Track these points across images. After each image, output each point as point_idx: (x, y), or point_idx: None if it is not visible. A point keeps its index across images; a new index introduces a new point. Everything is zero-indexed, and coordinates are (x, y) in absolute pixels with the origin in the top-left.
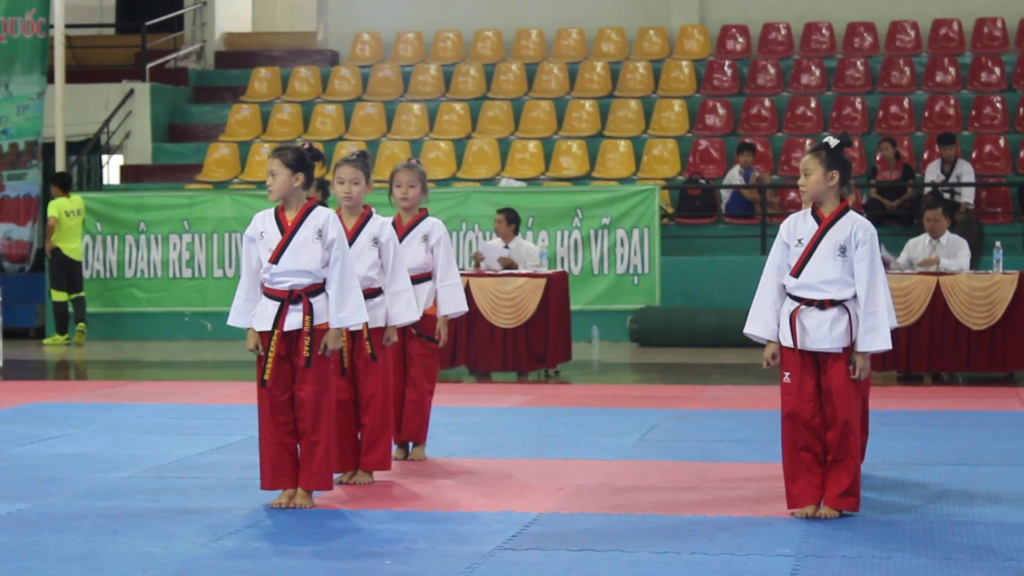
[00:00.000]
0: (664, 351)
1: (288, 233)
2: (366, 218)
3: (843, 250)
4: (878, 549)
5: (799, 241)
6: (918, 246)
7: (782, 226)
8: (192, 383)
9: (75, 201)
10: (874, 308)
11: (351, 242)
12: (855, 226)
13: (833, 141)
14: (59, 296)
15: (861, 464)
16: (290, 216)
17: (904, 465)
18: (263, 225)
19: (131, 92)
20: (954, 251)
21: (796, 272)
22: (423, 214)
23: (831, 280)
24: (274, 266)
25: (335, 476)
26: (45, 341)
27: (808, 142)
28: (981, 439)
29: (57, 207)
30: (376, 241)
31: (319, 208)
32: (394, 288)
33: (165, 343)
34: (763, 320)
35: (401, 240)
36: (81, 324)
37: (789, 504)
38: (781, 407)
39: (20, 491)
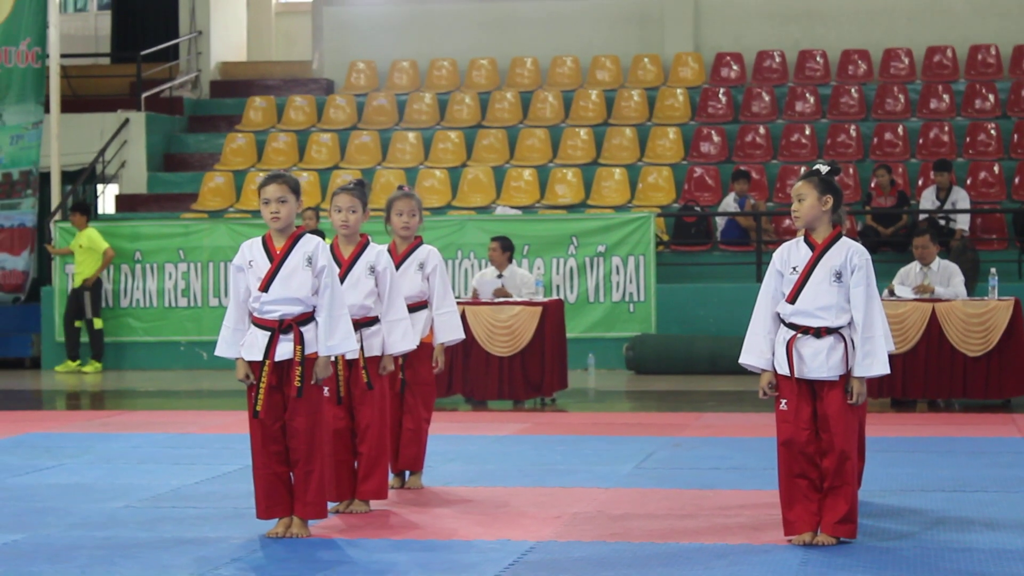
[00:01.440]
0: (660, 378)
1: (277, 261)
2: (363, 247)
3: (839, 276)
4: None
5: (793, 269)
6: (910, 274)
7: (775, 255)
8: (188, 412)
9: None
10: (871, 333)
11: (348, 271)
12: (850, 251)
13: (824, 167)
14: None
15: (858, 491)
16: (279, 244)
17: (900, 492)
18: (251, 254)
19: (126, 121)
20: (947, 278)
21: (792, 299)
22: (418, 242)
23: (827, 306)
24: (264, 294)
25: (331, 505)
26: (58, 368)
27: (802, 169)
28: (977, 466)
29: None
30: (373, 270)
31: (308, 236)
32: (391, 317)
33: (161, 372)
34: (758, 349)
35: (397, 268)
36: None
37: (786, 531)
38: (777, 434)
39: (15, 522)
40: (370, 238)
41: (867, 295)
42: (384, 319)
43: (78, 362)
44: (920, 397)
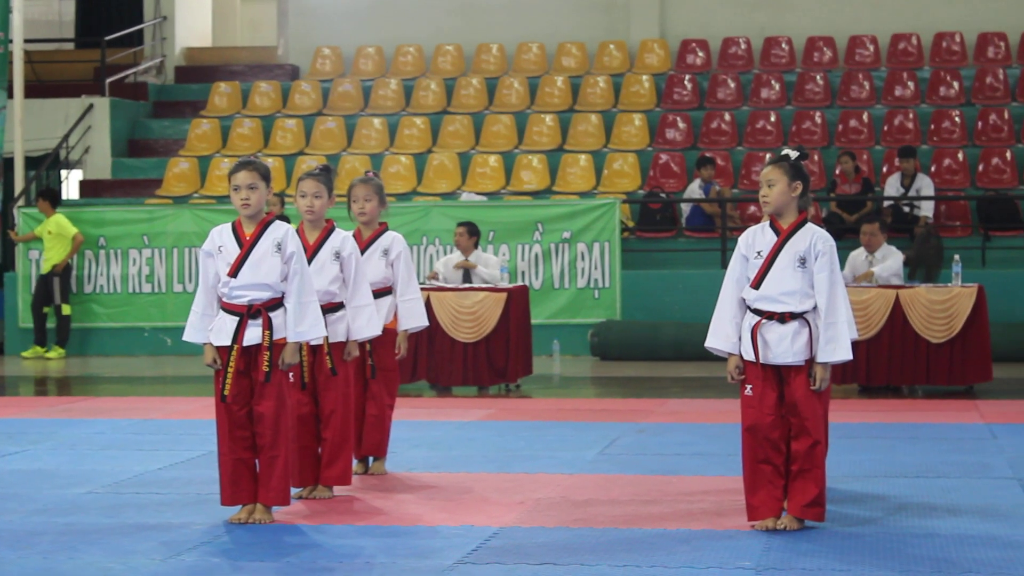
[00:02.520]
0: (625, 365)
1: (247, 247)
2: (328, 232)
3: (803, 261)
4: (838, 561)
5: (758, 253)
6: (856, 260)
7: (740, 239)
8: (151, 398)
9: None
10: (834, 319)
11: (313, 256)
12: (814, 237)
13: (793, 153)
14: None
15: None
16: (248, 230)
17: (864, 478)
18: (221, 239)
19: (91, 107)
20: (884, 259)
21: (756, 284)
22: (383, 228)
23: (791, 291)
24: (233, 280)
25: (295, 491)
26: (25, 354)
27: (768, 156)
28: (940, 452)
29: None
30: (338, 255)
31: (277, 222)
32: (356, 303)
33: (124, 358)
34: (724, 334)
35: (361, 254)
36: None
37: (749, 516)
38: (742, 420)
39: None
40: (335, 224)
41: (831, 281)
42: (349, 305)
43: (45, 348)
44: (884, 383)
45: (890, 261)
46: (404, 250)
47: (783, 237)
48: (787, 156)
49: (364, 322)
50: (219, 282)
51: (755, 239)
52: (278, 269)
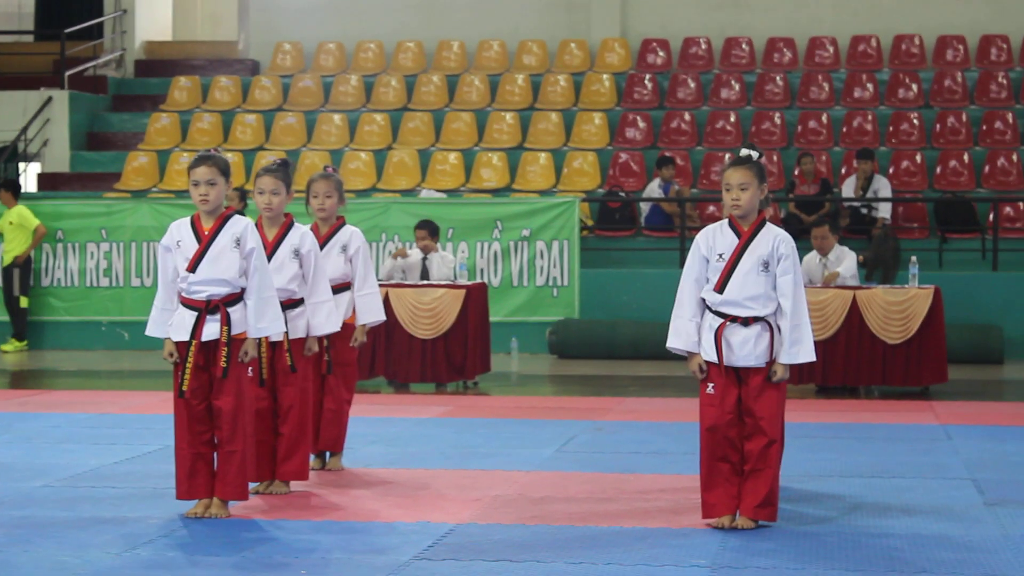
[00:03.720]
0: (583, 363)
1: (205, 242)
2: (287, 228)
3: (766, 265)
4: (793, 560)
5: (719, 256)
6: (810, 265)
7: (699, 238)
8: (108, 392)
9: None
10: (799, 321)
11: (272, 253)
12: (776, 240)
13: (755, 153)
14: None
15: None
16: (207, 225)
17: (820, 477)
18: (179, 234)
19: (49, 99)
20: (840, 261)
21: (719, 288)
22: (340, 223)
23: (755, 296)
24: (191, 275)
25: (251, 486)
26: (4, 347)
27: (727, 156)
28: (896, 452)
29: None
30: (297, 252)
31: (236, 217)
32: (315, 298)
33: (82, 352)
34: (685, 333)
35: (320, 249)
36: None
37: (704, 514)
38: (701, 418)
39: None
40: (295, 218)
41: (794, 283)
42: (308, 300)
43: (24, 341)
44: (840, 384)
45: (848, 262)
46: (363, 245)
47: (744, 239)
48: (749, 157)
49: (323, 318)
50: (178, 277)
51: (715, 240)
52: (237, 264)
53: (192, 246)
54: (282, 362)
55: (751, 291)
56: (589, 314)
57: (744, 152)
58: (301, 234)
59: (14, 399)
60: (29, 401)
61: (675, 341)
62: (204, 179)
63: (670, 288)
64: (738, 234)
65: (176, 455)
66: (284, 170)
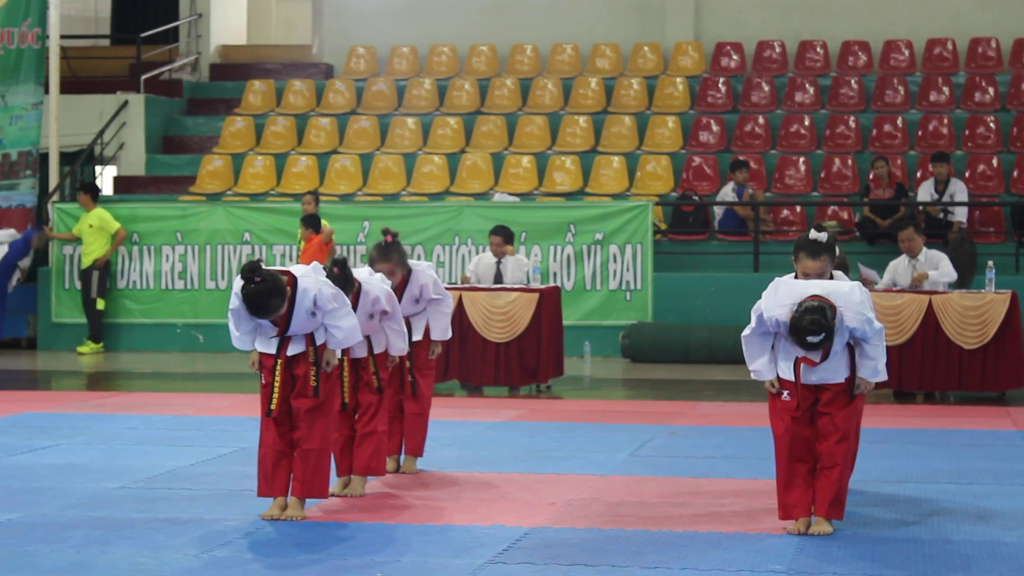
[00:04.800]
0: (656, 367)
1: (281, 330)
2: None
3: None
4: (869, 567)
5: None
6: (899, 267)
7: (770, 312)
8: (183, 394)
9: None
10: (878, 342)
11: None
12: (844, 317)
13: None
14: (102, 304)
15: (850, 476)
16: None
17: (896, 482)
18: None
19: (125, 103)
20: (935, 264)
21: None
22: (407, 275)
23: (839, 365)
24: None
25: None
26: (81, 349)
27: (801, 160)
28: (972, 458)
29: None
30: (372, 316)
31: (301, 289)
32: (393, 326)
33: (157, 354)
34: (763, 364)
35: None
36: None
37: (781, 515)
38: (775, 420)
39: (11, 501)
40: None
41: (869, 322)
42: (387, 327)
43: (100, 344)
44: (916, 389)
45: (946, 267)
46: (430, 282)
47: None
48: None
49: (398, 340)
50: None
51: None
52: (315, 324)
53: (271, 333)
54: (369, 380)
55: (835, 363)
56: (662, 318)
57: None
58: (373, 298)
59: (91, 401)
60: (106, 403)
61: (766, 373)
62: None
63: (743, 292)
64: None
65: (260, 453)
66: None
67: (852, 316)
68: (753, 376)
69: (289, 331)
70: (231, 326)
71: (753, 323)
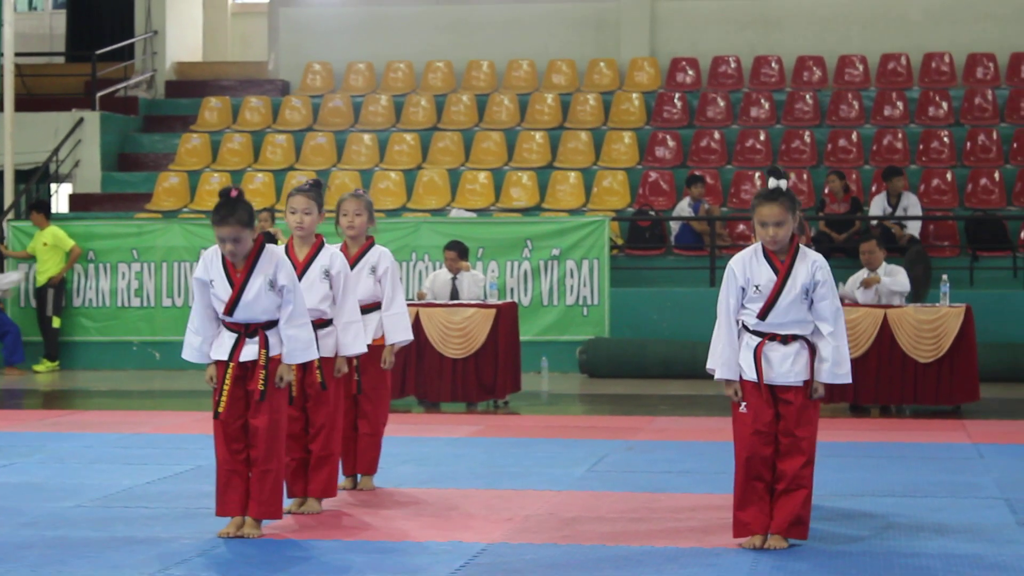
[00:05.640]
0: (613, 382)
1: (237, 288)
2: (317, 248)
3: (806, 292)
4: None
5: (756, 288)
6: (859, 280)
7: (733, 266)
8: (140, 412)
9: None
10: (840, 342)
11: (303, 273)
12: (813, 267)
13: (783, 183)
14: (58, 322)
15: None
16: (237, 266)
17: (852, 496)
18: (211, 273)
19: (81, 121)
20: (892, 274)
21: (762, 315)
22: (370, 243)
23: (797, 320)
24: (228, 316)
25: (285, 505)
26: (36, 367)
27: (756, 175)
28: (928, 471)
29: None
30: (327, 273)
31: (266, 252)
32: (344, 319)
33: (113, 372)
34: (724, 359)
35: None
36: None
37: (736, 532)
38: (736, 438)
39: None
40: (324, 239)
41: (834, 306)
42: (337, 321)
43: (56, 362)
44: (871, 402)
45: (901, 277)
46: (392, 265)
47: (784, 273)
48: (781, 190)
49: (351, 338)
50: (216, 312)
51: (751, 270)
52: (273, 303)
53: (225, 291)
54: (314, 382)
55: (793, 316)
56: (619, 333)
57: (773, 183)
58: (331, 255)
59: (46, 419)
60: (61, 421)
61: (724, 372)
62: (230, 237)
63: (700, 307)
64: (774, 266)
65: (217, 471)
66: (316, 190)
67: (822, 269)
68: (714, 374)
69: (244, 295)
70: (189, 325)
71: (720, 305)
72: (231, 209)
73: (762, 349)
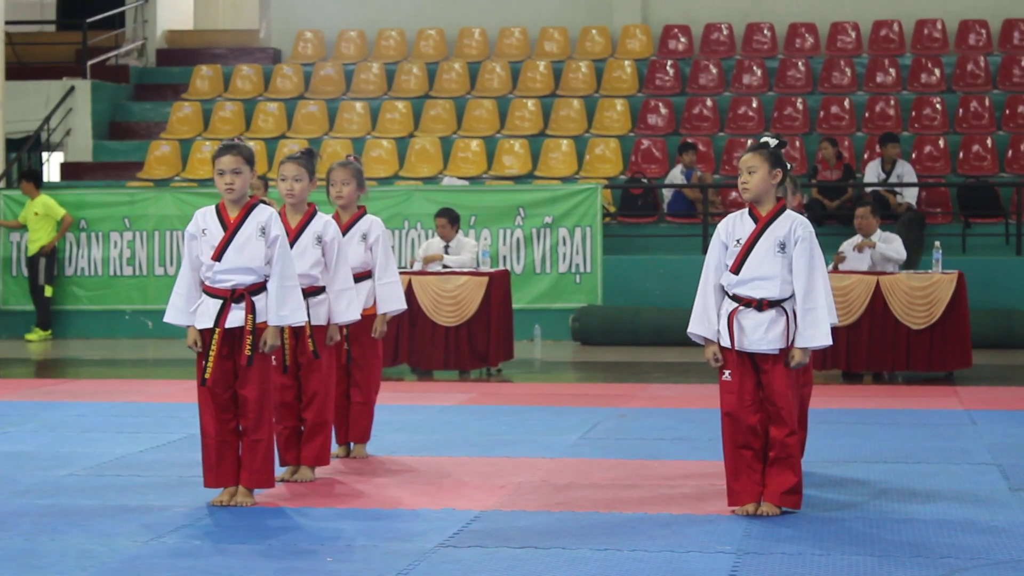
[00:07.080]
0: (606, 350)
1: (231, 230)
2: (310, 216)
3: (782, 247)
4: (817, 547)
5: (737, 241)
6: (852, 244)
7: (720, 226)
8: (132, 381)
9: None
10: (813, 304)
11: (295, 240)
12: (794, 223)
13: (772, 140)
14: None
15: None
16: (232, 213)
17: (844, 463)
18: (204, 222)
19: (72, 89)
20: (888, 241)
21: (735, 269)
22: (361, 212)
23: (770, 276)
24: (217, 263)
25: (277, 473)
26: (29, 336)
27: (749, 142)
28: (920, 437)
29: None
30: (320, 240)
31: (261, 205)
32: (336, 286)
33: (105, 341)
34: (705, 320)
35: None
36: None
37: (730, 501)
38: (721, 405)
39: None
40: (317, 207)
41: (810, 266)
42: (330, 289)
43: (49, 331)
44: (864, 369)
45: (896, 244)
46: (383, 234)
47: (762, 224)
48: (767, 143)
49: (344, 306)
50: (202, 265)
51: (734, 226)
52: (262, 253)
53: (217, 234)
54: (306, 350)
55: (766, 271)
56: (612, 301)
57: (764, 138)
58: (324, 222)
59: (39, 388)
60: (54, 390)
61: (695, 327)
62: (229, 168)
63: (693, 274)
64: (756, 220)
65: (203, 443)
66: (307, 158)
67: (803, 227)
68: (692, 336)
69: (237, 237)
70: (175, 288)
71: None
72: (235, 144)
73: (735, 315)
